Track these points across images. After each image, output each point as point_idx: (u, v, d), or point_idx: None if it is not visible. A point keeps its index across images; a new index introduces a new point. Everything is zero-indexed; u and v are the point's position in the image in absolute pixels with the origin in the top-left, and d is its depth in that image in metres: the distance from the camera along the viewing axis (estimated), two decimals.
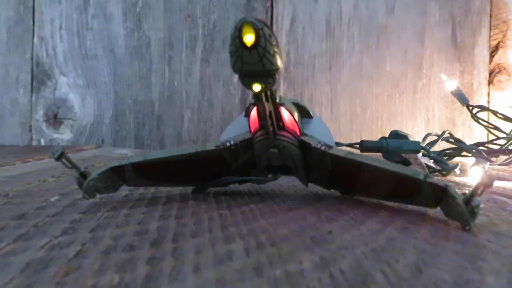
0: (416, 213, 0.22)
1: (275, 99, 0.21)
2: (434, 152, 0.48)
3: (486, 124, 0.55)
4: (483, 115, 0.58)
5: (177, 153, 0.24)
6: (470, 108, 0.55)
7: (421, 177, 0.20)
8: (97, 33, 0.67)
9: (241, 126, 0.25)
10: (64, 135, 0.66)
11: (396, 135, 0.49)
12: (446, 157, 0.51)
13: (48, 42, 0.66)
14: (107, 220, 0.19)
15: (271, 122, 0.22)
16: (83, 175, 0.22)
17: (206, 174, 0.26)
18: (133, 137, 0.67)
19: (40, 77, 0.66)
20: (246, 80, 0.19)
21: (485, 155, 0.38)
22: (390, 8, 0.69)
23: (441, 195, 0.20)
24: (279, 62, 0.18)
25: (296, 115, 0.23)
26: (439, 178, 0.37)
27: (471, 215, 0.18)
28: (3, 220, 0.18)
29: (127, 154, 0.56)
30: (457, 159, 0.52)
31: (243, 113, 0.26)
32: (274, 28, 0.68)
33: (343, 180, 0.25)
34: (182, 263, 0.14)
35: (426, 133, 0.70)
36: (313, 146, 0.23)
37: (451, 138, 0.43)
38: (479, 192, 0.17)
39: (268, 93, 0.20)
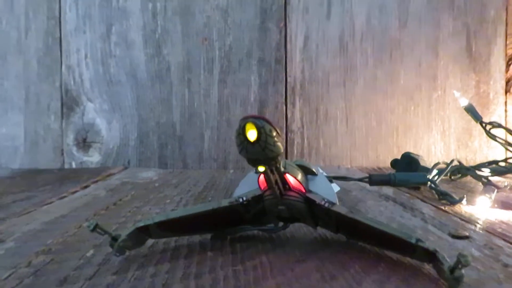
0: (412, 269, 0.24)
1: (280, 170, 0.23)
2: (451, 167, 0.49)
3: (502, 141, 0.56)
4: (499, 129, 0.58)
5: (196, 211, 0.27)
6: (484, 125, 0.56)
7: (413, 241, 0.22)
8: (120, 60, 0.70)
9: (252, 182, 0.28)
10: (93, 158, 0.71)
11: (408, 157, 0.51)
12: (460, 175, 0.52)
13: (75, 71, 0.70)
14: (136, 283, 0.22)
15: (277, 187, 0.25)
16: (114, 238, 0.25)
17: (223, 224, 0.29)
18: (157, 158, 0.71)
19: (69, 104, 0.70)
20: (252, 163, 0.21)
21: (493, 184, 0.39)
22: (402, 22, 0.70)
23: (432, 256, 0.22)
24: (279, 149, 0.20)
25: (300, 177, 0.26)
26: (446, 207, 0.39)
27: (455, 282, 0.20)
28: (50, 286, 0.22)
29: (152, 178, 0.60)
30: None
31: (254, 170, 0.28)
32: (288, 47, 0.70)
33: (347, 230, 0.28)
34: None
35: (442, 144, 0.71)
36: (317, 203, 0.26)
37: (460, 167, 0.44)
38: (459, 267, 0.19)
39: (273, 168, 0.23)
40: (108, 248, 0.28)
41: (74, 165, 0.71)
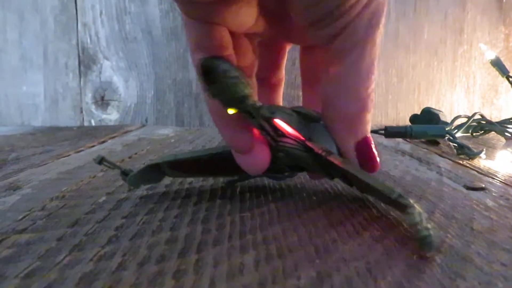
0: None
1: (262, 114, 0.22)
2: (472, 125, 0.48)
3: None
4: None
5: (202, 154, 0.27)
6: (510, 79, 0.53)
7: (394, 196, 0.21)
8: (135, 16, 0.69)
9: None
10: (112, 116, 0.72)
11: (428, 112, 0.49)
12: (482, 131, 0.50)
13: (91, 28, 0.70)
14: (145, 226, 0.23)
15: (265, 132, 0.24)
16: (123, 172, 0.25)
17: (231, 168, 0.29)
18: (174, 115, 0.71)
19: (86, 62, 0.71)
20: (221, 105, 0.21)
21: None
22: None
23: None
24: (242, 89, 0.20)
25: (293, 123, 0.24)
26: (464, 161, 0.38)
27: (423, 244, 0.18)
28: (61, 227, 0.22)
29: (168, 134, 0.60)
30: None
31: None
32: None
33: (349, 180, 0.27)
34: (201, 277, 0.17)
35: (466, 101, 0.69)
36: (315, 151, 0.25)
37: (482, 120, 0.43)
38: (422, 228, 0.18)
39: (249, 111, 0.22)
40: (120, 195, 0.28)
41: (93, 123, 0.72)
